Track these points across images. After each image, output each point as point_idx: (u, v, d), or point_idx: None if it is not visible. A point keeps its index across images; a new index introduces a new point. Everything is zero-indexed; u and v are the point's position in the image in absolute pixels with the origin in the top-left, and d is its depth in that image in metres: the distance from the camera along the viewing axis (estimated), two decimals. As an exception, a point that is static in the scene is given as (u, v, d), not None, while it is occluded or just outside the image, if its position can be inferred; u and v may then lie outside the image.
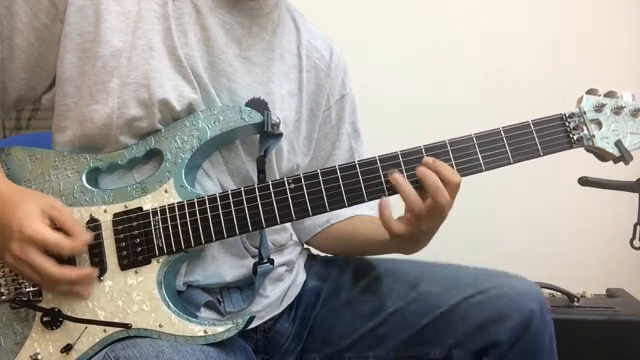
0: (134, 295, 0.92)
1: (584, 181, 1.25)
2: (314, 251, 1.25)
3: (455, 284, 1.04)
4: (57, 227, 0.88)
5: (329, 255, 1.23)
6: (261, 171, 0.98)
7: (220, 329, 0.89)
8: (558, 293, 1.63)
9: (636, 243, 1.22)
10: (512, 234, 2.02)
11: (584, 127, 0.95)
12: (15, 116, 2.17)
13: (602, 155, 0.97)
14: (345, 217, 1.18)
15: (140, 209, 0.94)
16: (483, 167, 0.93)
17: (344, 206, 0.93)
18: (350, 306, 1.10)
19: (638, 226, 1.20)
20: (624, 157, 0.95)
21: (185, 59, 0.96)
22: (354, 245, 1.17)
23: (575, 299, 1.60)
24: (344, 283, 1.13)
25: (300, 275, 1.16)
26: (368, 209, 1.16)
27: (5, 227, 0.86)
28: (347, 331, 1.08)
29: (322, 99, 1.15)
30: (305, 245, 1.24)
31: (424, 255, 1.10)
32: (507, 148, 0.93)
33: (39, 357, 0.91)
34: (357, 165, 0.93)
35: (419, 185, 0.91)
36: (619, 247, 1.33)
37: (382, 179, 0.92)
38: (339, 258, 1.20)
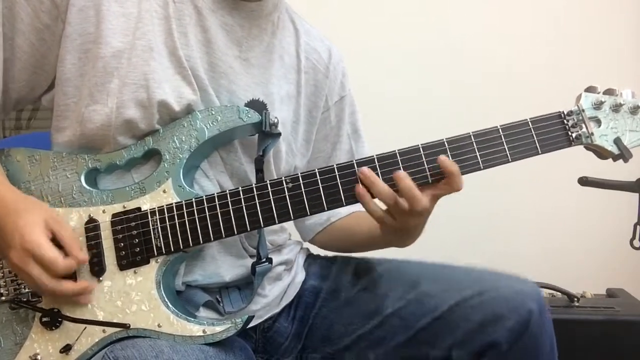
0: (132, 295, 0.92)
1: (584, 181, 1.25)
2: (314, 250, 1.25)
3: (454, 284, 1.03)
4: (56, 239, 0.88)
5: (328, 254, 1.23)
6: (259, 170, 0.98)
7: (218, 328, 0.89)
8: (558, 293, 1.62)
9: (636, 243, 1.22)
10: (512, 234, 2.02)
11: (583, 125, 0.94)
12: (15, 116, 2.18)
13: (601, 153, 0.97)
14: (345, 214, 1.18)
15: (139, 209, 0.94)
16: (481, 166, 0.93)
17: (342, 205, 0.93)
18: (350, 306, 1.10)
19: (638, 226, 1.20)
20: (623, 154, 0.94)
21: (185, 59, 0.96)
22: (353, 241, 1.18)
23: (575, 299, 1.59)
24: (344, 283, 1.13)
25: (299, 275, 1.16)
26: None
27: (8, 234, 0.86)
28: (347, 331, 1.08)
29: (321, 100, 1.15)
30: (305, 245, 1.24)
31: (424, 254, 1.10)
32: (505, 146, 0.93)
33: (39, 357, 0.91)
34: (355, 164, 0.93)
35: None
36: (619, 247, 1.33)
37: (380, 177, 0.92)
38: (338, 258, 1.20)
